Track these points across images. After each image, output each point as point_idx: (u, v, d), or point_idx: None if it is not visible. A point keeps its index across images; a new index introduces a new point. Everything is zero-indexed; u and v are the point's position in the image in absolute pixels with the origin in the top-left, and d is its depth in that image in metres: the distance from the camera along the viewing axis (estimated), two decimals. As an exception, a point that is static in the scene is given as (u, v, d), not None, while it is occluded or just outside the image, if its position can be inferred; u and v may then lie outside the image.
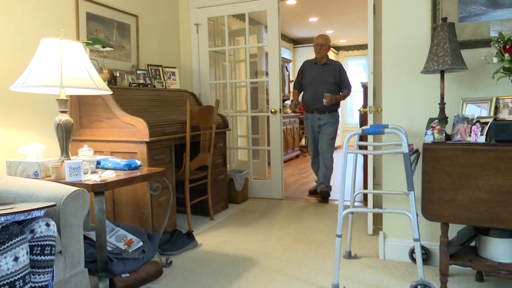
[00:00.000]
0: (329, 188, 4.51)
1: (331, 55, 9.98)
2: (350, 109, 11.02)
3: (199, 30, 4.56)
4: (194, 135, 3.42)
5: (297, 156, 8.12)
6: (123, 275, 2.23)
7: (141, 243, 2.45)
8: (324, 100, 4.28)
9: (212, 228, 3.41)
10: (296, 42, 9.78)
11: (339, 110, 4.65)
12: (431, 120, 2.22)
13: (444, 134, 2.10)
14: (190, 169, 3.33)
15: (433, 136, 2.12)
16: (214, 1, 4.45)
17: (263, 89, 5.76)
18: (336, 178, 5.54)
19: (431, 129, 2.14)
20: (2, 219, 1.49)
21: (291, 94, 4.85)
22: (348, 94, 4.49)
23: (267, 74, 5.68)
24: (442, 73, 2.27)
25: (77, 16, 3.25)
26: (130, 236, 2.49)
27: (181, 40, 4.64)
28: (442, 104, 2.26)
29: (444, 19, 2.23)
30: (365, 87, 3.98)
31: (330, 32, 8.82)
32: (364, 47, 10.58)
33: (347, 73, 4.66)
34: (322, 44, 4.41)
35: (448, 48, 2.16)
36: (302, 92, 4.67)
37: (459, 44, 2.29)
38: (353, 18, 7.53)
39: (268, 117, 4.89)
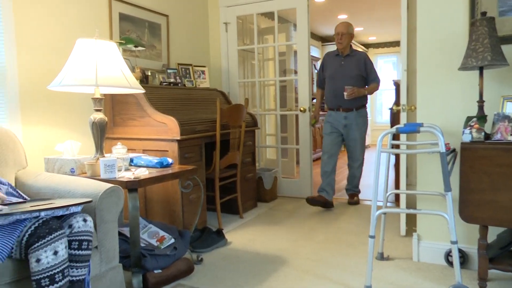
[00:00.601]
0: (358, 192, 4.20)
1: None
2: (379, 107, 10.83)
3: (228, 29, 4.58)
4: (224, 133, 3.44)
5: (325, 155, 8.02)
6: (155, 271, 2.26)
7: (172, 240, 2.48)
8: (345, 94, 3.74)
9: (241, 227, 3.42)
10: (324, 40, 9.68)
11: (367, 106, 4.14)
12: (469, 119, 2.14)
13: (483, 133, 2.02)
14: (220, 167, 3.34)
15: (471, 135, 2.04)
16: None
17: (291, 87, 5.74)
18: (366, 178, 5.46)
19: (469, 127, 2.06)
20: (43, 214, 1.54)
21: (315, 95, 4.32)
22: (375, 88, 3.91)
23: (295, 72, 5.65)
24: (481, 69, 2.18)
25: (110, 17, 3.32)
26: (162, 233, 2.52)
27: (210, 39, 4.68)
28: (481, 102, 2.18)
29: (484, 14, 2.14)
30: (397, 84, 3.89)
31: (360, 30, 8.68)
32: (394, 44, 10.36)
33: (374, 65, 4.14)
34: (343, 33, 3.84)
35: (487, 44, 2.08)
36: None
37: (499, 39, 2.20)
38: (383, 15, 7.39)
39: (297, 115, 4.86)
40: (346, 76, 3.86)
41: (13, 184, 2.14)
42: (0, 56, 2.54)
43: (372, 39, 10.05)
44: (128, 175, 2.23)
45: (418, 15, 2.53)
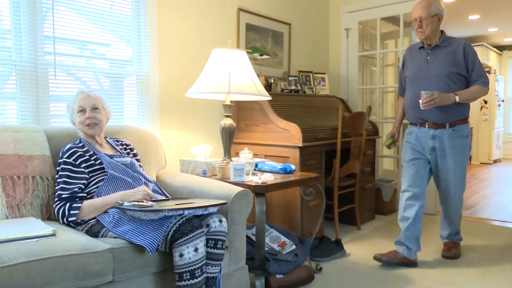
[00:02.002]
0: (459, 241, 2.98)
1: (492, 55, 8.87)
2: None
3: (349, 35, 4.49)
4: (344, 141, 3.36)
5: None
6: (277, 276, 2.29)
7: (293, 247, 2.49)
8: (420, 102, 2.57)
9: (359, 238, 3.29)
10: (449, 43, 8.94)
11: (470, 120, 2.86)
12: None
13: None
14: (340, 176, 3.27)
15: None
16: (366, 4, 4.32)
17: (413, 94, 5.39)
18: (499, 196, 4.87)
19: None
20: (186, 212, 1.66)
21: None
22: (481, 91, 2.63)
23: (418, 78, 5.31)
24: None
25: (238, 27, 3.49)
26: (283, 238, 2.55)
27: (330, 45, 4.64)
28: None
29: None
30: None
31: (494, 30, 7.83)
32: (534, 45, 9.13)
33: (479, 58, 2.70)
34: (422, 17, 2.62)
35: None
36: None
37: None
38: (523, 13, 6.55)
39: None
40: (433, 76, 2.67)
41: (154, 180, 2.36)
42: (145, 66, 2.84)
43: (507, 40, 9.00)
44: (255, 180, 2.29)
45: None
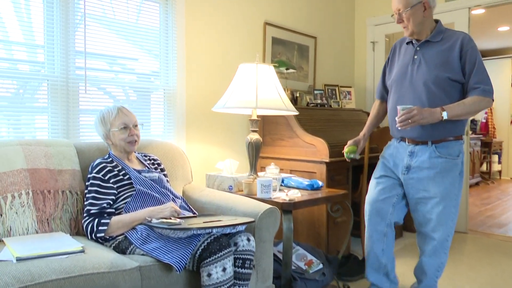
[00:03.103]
0: None
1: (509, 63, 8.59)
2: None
3: (375, 48, 4.43)
4: (372, 156, 3.28)
5: (477, 184, 7.17)
6: (304, 296, 2.23)
7: (321, 265, 2.43)
8: (396, 120, 1.95)
9: (387, 257, 3.19)
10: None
11: (465, 137, 2.24)
12: None
13: None
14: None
15: None
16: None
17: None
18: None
19: None
20: (214, 230, 1.63)
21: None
22: (481, 103, 1.94)
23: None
24: None
25: (264, 41, 3.49)
26: (310, 257, 2.49)
27: (356, 58, 4.58)
28: None
29: None
30: None
31: (523, 42, 7.62)
32: None
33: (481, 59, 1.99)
34: (399, 9, 2.03)
35: None
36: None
37: None
38: (557, 24, 6.35)
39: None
40: (417, 83, 2.04)
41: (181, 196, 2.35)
42: (173, 80, 2.86)
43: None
44: (282, 196, 2.25)
45: None
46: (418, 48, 2.07)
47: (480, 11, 5.67)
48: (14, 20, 2.22)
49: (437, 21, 2.11)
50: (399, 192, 2.18)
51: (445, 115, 1.90)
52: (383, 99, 2.36)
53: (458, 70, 1.97)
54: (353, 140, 2.31)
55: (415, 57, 2.07)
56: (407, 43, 2.16)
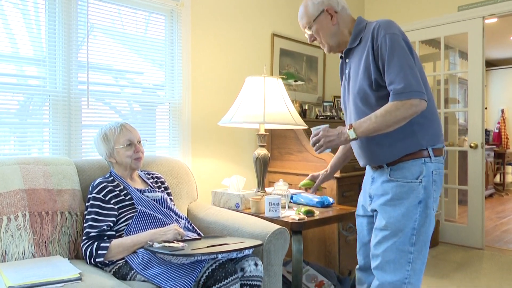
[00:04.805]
0: None
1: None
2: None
3: (385, 58, 4.33)
4: (384, 171, 3.17)
5: (491, 195, 6.98)
6: (315, 321, 2.11)
7: (332, 287, 2.31)
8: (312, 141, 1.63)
9: (401, 276, 3.06)
10: (489, 64, 8.61)
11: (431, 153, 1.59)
12: None
13: None
14: (379, 208, 3.07)
15: None
16: (405, 27, 4.17)
17: (453, 119, 5.14)
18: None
19: None
20: (220, 256, 1.53)
21: None
22: (397, 111, 1.45)
23: (458, 102, 5.06)
24: None
25: (272, 52, 3.41)
26: (320, 278, 2.38)
27: (365, 69, 4.49)
28: None
29: None
30: None
31: (537, 51, 7.47)
32: None
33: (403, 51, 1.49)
34: (304, 26, 1.73)
35: None
36: None
37: None
38: None
39: (461, 151, 4.29)
40: (350, 99, 1.69)
41: (186, 216, 2.25)
42: (178, 95, 2.78)
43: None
44: (291, 215, 2.15)
45: None
46: (347, 61, 1.72)
47: (492, 20, 5.56)
48: (15, 33, 2.17)
49: (356, 20, 1.70)
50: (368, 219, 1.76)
51: (351, 134, 1.51)
52: None
53: (376, 70, 1.54)
54: (311, 175, 2.03)
55: (346, 71, 1.73)
56: (340, 58, 1.79)
